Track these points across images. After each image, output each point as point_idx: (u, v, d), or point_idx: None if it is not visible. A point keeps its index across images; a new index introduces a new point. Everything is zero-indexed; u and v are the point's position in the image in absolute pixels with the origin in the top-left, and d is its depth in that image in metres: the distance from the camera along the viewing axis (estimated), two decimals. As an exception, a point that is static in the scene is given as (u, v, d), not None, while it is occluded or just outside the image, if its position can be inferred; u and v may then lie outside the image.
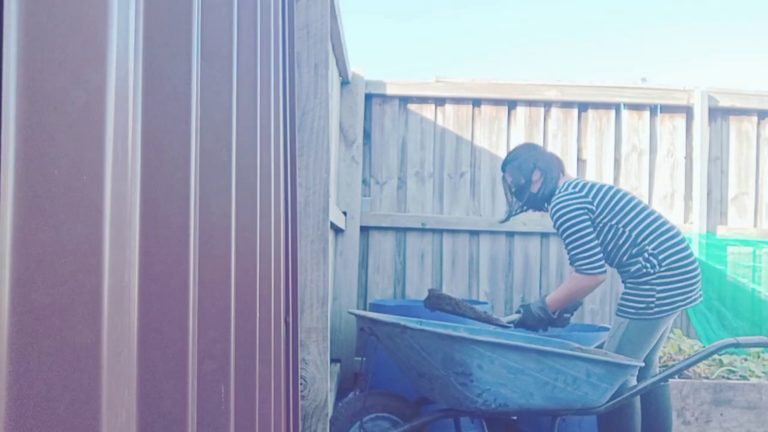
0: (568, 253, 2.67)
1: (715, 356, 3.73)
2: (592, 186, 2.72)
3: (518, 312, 2.80)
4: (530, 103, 4.30)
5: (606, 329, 3.25)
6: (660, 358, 3.58)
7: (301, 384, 2.19)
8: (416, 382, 2.57)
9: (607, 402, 2.47)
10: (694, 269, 2.68)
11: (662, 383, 2.70)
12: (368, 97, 4.23)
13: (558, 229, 2.67)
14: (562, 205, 2.64)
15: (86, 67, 0.55)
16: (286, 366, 1.61)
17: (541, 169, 2.78)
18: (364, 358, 3.36)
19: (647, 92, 4.33)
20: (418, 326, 2.38)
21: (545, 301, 2.71)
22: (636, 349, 2.63)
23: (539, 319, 2.71)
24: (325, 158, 2.25)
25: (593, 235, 2.62)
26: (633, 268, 2.66)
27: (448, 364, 2.32)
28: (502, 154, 4.26)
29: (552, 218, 2.69)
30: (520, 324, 2.76)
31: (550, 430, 2.49)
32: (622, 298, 2.69)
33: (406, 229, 4.21)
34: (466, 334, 2.38)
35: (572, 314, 2.84)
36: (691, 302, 2.66)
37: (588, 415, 2.52)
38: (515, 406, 2.37)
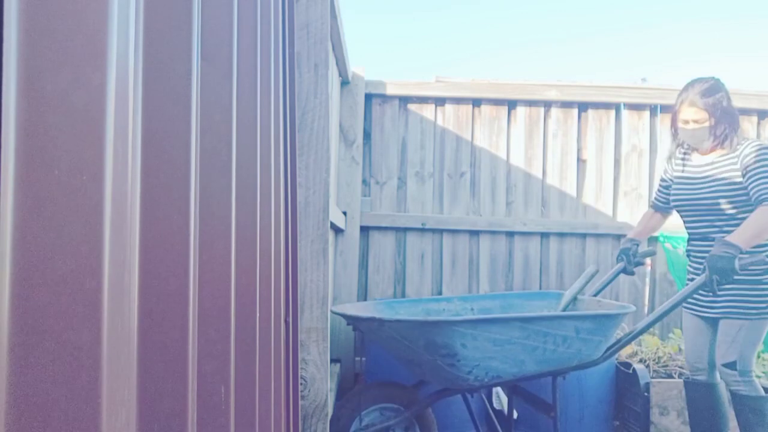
0: (758, 187, 2.61)
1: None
2: None
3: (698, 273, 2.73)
4: (530, 103, 4.30)
5: None
6: (660, 358, 3.58)
7: (301, 384, 2.19)
8: (410, 368, 2.59)
9: (605, 353, 2.46)
10: None
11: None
12: (368, 97, 4.23)
13: (757, 162, 2.65)
14: (765, 145, 2.72)
15: (86, 67, 0.55)
16: (286, 366, 1.61)
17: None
18: (365, 358, 3.36)
19: (647, 92, 4.33)
20: (393, 318, 2.37)
21: (731, 243, 2.45)
22: (755, 348, 2.69)
23: (729, 269, 2.41)
24: (325, 158, 2.25)
25: None
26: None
27: (432, 349, 2.31)
28: (502, 154, 4.26)
29: (753, 153, 2.69)
30: (709, 283, 2.45)
31: (549, 430, 2.49)
32: (737, 300, 2.69)
33: (406, 229, 4.20)
34: (443, 317, 2.37)
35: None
36: None
37: (587, 368, 2.50)
38: (509, 375, 2.36)
